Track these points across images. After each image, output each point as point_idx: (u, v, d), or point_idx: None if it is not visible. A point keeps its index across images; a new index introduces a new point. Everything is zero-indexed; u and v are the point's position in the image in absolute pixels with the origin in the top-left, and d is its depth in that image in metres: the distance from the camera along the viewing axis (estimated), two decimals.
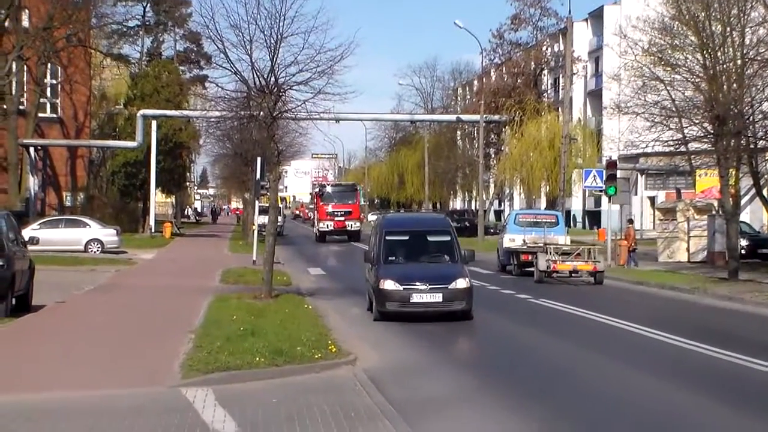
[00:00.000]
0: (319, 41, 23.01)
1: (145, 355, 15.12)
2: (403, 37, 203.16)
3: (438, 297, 20.36)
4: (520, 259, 34.46)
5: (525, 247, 34.15)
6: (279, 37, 22.74)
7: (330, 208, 63.37)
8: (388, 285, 20.48)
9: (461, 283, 20.63)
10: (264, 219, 74.63)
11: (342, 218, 63.09)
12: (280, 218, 78.76)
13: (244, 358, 14.22)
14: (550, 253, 32.37)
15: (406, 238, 22.20)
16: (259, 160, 28.96)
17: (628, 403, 12.71)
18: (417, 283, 20.48)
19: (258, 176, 29.81)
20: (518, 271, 34.41)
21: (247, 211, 60.82)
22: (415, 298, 20.36)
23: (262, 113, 23.56)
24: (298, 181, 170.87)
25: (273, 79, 23.06)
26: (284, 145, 35.92)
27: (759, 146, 33.50)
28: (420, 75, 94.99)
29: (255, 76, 23.23)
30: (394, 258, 21.68)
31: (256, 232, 39.13)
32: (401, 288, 20.40)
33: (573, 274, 32.31)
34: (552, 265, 31.80)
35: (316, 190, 71.94)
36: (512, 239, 35.42)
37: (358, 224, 63.98)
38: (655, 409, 12.40)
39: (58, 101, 61.06)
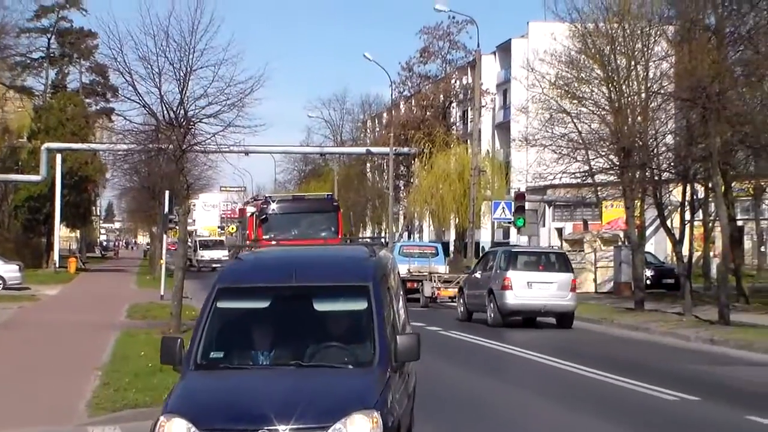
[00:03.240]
0: (229, 74, 22.87)
1: (49, 394, 14.70)
2: (312, 70, 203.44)
3: None
4: (405, 286, 35.06)
5: (409, 275, 35.41)
6: (188, 69, 22.60)
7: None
8: (173, 429, 8.26)
9: (359, 426, 7.96)
10: (210, 254, 69.82)
11: None
12: (226, 253, 77.42)
13: (153, 395, 13.91)
14: (435, 281, 35.80)
15: (265, 305, 9.23)
16: (167, 193, 28.62)
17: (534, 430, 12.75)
18: (249, 427, 7.96)
19: (166, 210, 29.46)
20: None
21: (154, 245, 59.95)
22: None
23: (171, 146, 23.31)
24: (206, 215, 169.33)
25: (182, 111, 22.86)
26: (193, 178, 35.59)
27: (663, 178, 34.14)
28: (329, 107, 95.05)
29: (164, 108, 23.01)
30: (223, 356, 9.06)
31: (164, 267, 38.58)
32: None
33: (453, 300, 34.54)
34: (436, 291, 35.38)
35: (252, 211, 37.52)
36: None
37: None
38: None
39: None
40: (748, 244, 52.85)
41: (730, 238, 29.53)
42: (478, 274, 30.28)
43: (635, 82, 32.64)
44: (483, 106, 61.71)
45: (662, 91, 32.65)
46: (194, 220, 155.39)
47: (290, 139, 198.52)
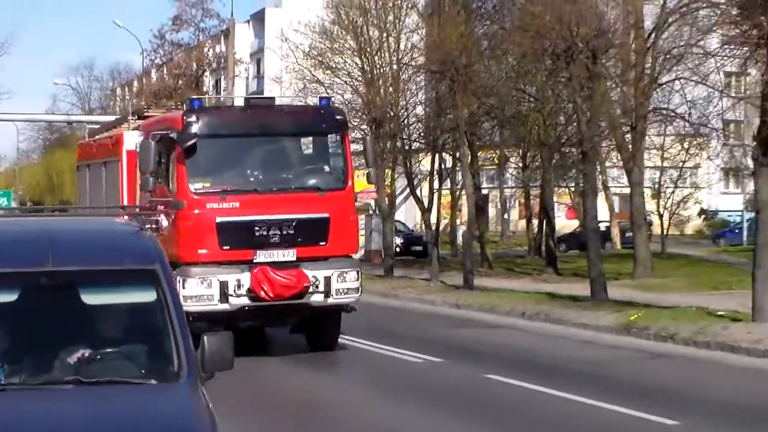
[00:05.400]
0: None
1: None
2: (59, 36, 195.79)
3: None
4: None
5: None
6: None
7: (229, 217, 15.21)
8: None
9: None
10: None
11: (289, 259, 15.56)
12: None
13: None
14: None
15: (11, 299, 6.15)
16: None
17: (296, 398, 12.86)
18: None
19: None
20: None
21: None
22: None
23: None
24: None
25: None
26: None
27: (413, 148, 34.96)
28: (77, 74, 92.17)
29: None
30: None
31: None
32: None
33: None
34: None
35: (152, 137, 15.49)
36: None
37: (356, 282, 16.33)
38: (321, 401, 12.63)
39: None
40: (492, 211, 54.99)
41: (475, 206, 30.58)
42: None
43: (387, 54, 33.18)
44: (236, 76, 61.27)
45: (413, 63, 33.40)
46: None
47: (35, 106, 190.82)
